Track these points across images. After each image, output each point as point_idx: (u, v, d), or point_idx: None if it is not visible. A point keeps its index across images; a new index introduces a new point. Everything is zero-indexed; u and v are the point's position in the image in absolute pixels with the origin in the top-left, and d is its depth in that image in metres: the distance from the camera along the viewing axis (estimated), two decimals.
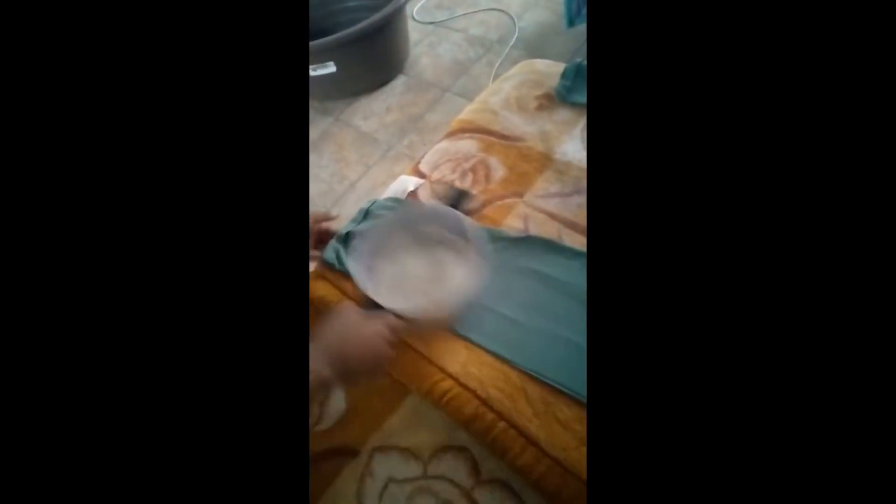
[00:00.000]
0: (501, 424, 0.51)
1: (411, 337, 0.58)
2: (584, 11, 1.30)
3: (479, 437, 0.52)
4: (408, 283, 0.59)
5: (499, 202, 0.69)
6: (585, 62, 0.79)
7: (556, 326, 0.57)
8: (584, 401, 0.52)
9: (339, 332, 0.46)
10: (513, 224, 0.66)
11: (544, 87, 0.80)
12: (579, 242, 0.63)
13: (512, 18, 1.66)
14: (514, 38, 1.59)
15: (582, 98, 0.77)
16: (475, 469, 0.52)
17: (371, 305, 0.53)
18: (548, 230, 0.64)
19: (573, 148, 0.72)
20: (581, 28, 1.39)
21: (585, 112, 0.75)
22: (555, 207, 0.66)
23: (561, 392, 0.53)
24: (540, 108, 0.78)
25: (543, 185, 0.69)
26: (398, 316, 0.52)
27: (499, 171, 0.72)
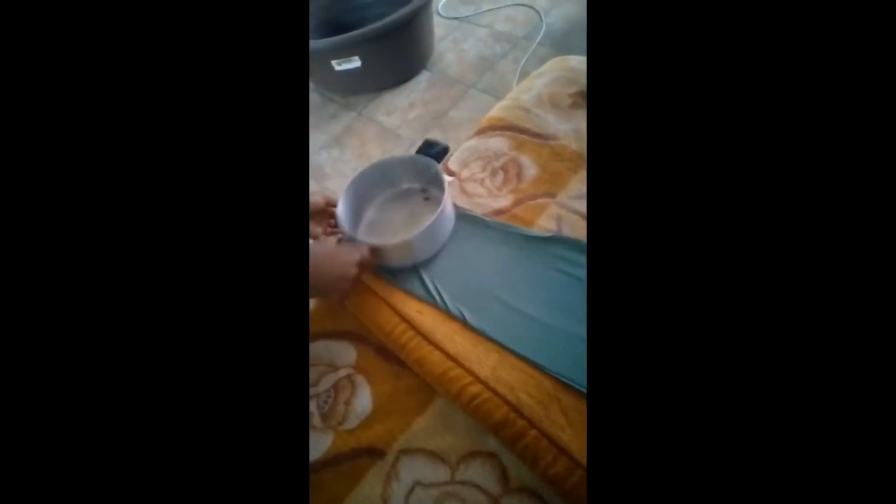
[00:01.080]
0: (532, 432, 0.50)
1: (437, 335, 0.57)
2: None
3: (509, 444, 0.51)
4: (384, 227, 0.68)
5: (531, 202, 0.67)
6: None
7: None
8: None
9: (316, 253, 0.58)
10: (545, 225, 0.64)
11: (578, 85, 0.77)
12: None
13: (539, 14, 1.63)
14: (540, 34, 1.56)
15: None
16: (504, 476, 0.51)
17: (348, 241, 0.63)
18: (581, 232, 0.62)
19: None
20: None
21: None
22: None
23: None
24: (574, 105, 0.75)
25: (578, 185, 0.67)
26: (371, 248, 0.61)
27: (531, 170, 0.70)
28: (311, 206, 0.64)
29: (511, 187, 0.69)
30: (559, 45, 1.53)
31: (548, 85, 0.79)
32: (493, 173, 0.71)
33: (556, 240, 0.62)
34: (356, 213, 0.69)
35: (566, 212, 0.65)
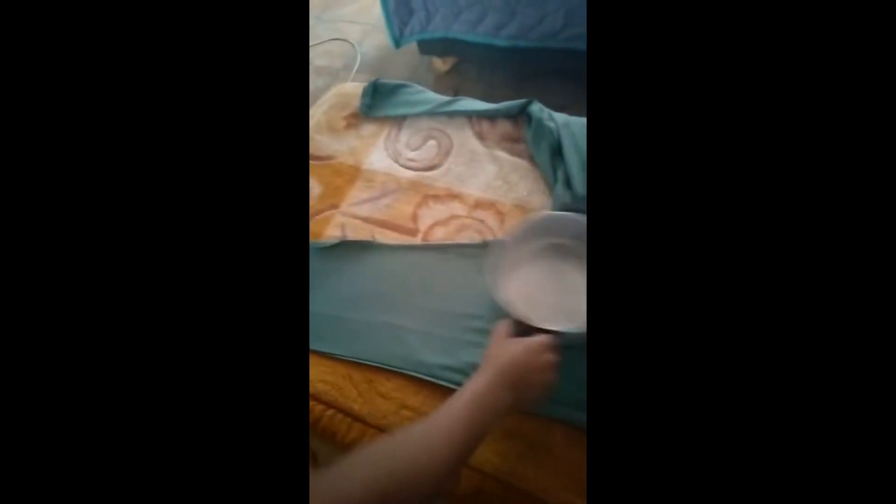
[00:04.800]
0: (329, 412, 0.57)
1: None
2: (407, 32, 1.43)
3: (311, 429, 0.57)
4: (536, 299, 0.57)
5: (318, 216, 0.75)
6: (381, 81, 0.89)
7: (374, 314, 0.64)
8: (401, 371, 0.59)
9: (519, 363, 0.46)
10: (332, 234, 0.73)
11: (351, 108, 0.88)
12: (390, 238, 0.71)
13: (353, 46, 1.76)
14: (357, 64, 1.69)
15: (382, 112, 0.86)
16: (314, 459, 0.57)
17: (524, 330, 0.51)
18: (362, 233, 0.72)
19: (378, 157, 0.81)
20: (413, 46, 1.52)
21: (387, 124, 0.85)
22: (367, 212, 0.74)
23: (381, 369, 0.60)
24: (348, 126, 0.86)
25: (356, 193, 0.77)
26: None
27: (316, 190, 0.78)
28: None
29: None
30: (375, 71, 1.66)
31: (325, 112, 0.89)
32: None
33: (340, 245, 0.70)
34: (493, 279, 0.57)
35: (348, 218, 0.74)
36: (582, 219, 0.61)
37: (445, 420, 0.40)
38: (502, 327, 0.50)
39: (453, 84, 1.54)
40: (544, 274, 0.62)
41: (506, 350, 0.47)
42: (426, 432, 0.40)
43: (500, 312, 0.61)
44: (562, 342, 0.49)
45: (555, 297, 0.59)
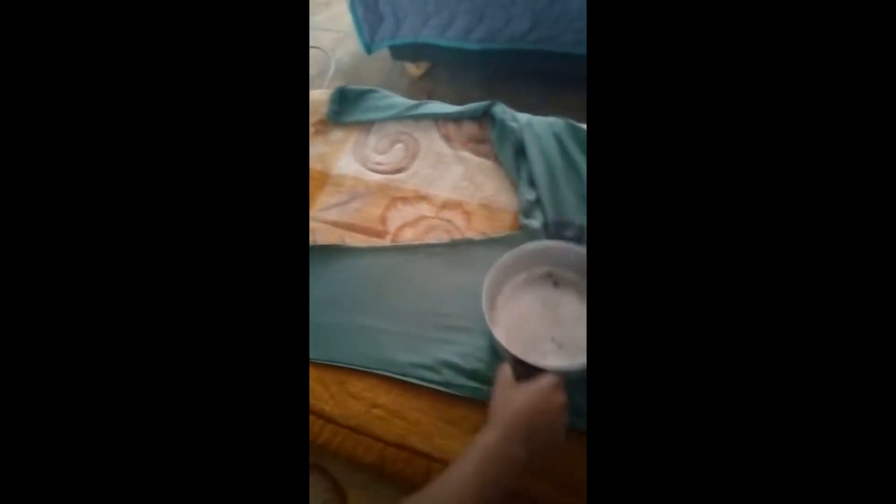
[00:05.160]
0: None
1: None
2: (377, 38, 1.44)
3: None
4: (525, 328, 0.57)
5: None
6: (348, 87, 0.90)
7: (345, 316, 0.65)
8: (372, 371, 0.60)
9: (530, 412, 0.43)
10: None
11: (319, 115, 0.89)
12: (359, 241, 0.72)
13: (327, 54, 1.77)
14: (331, 71, 1.70)
15: (349, 118, 0.87)
16: None
17: (525, 370, 0.48)
18: (331, 237, 0.73)
19: (346, 162, 0.82)
20: (386, 52, 1.53)
21: (355, 129, 0.86)
22: (336, 216, 0.75)
23: (353, 370, 0.60)
24: (317, 133, 0.87)
25: (325, 199, 0.78)
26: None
27: None
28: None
29: None
30: (350, 78, 1.67)
31: None
32: None
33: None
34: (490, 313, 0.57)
35: (318, 223, 0.75)
36: (568, 246, 0.62)
37: (457, 482, 0.39)
38: (503, 374, 0.48)
39: (427, 88, 1.56)
40: (538, 305, 0.61)
41: (512, 400, 0.44)
42: (437, 495, 0.38)
43: (472, 310, 0.63)
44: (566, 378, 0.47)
45: (551, 329, 0.58)
